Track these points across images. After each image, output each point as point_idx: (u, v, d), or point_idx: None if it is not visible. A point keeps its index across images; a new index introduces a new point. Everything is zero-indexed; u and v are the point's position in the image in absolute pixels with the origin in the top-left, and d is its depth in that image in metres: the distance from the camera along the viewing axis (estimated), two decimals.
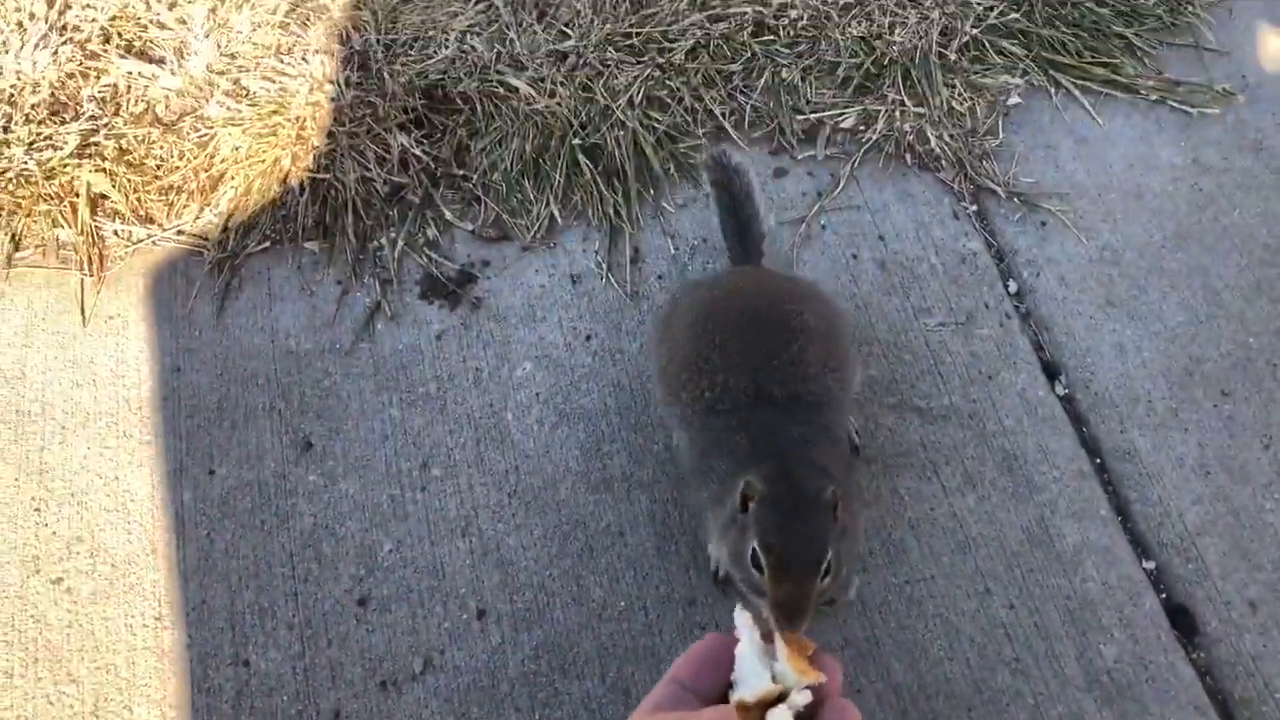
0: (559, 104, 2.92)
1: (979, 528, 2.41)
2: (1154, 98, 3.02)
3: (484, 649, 2.28)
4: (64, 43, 3.08)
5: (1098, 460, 2.50)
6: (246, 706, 2.24)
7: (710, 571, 2.33)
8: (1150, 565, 2.38)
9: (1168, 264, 2.75)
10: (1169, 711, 2.20)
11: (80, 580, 2.38)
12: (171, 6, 3.17)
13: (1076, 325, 2.67)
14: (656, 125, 2.93)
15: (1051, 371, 2.61)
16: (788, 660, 1.19)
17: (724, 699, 1.18)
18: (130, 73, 3.05)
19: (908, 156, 2.92)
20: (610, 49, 3.03)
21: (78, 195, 2.85)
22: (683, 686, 1.14)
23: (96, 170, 2.88)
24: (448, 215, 2.85)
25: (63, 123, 2.96)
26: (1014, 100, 3.02)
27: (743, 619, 1.27)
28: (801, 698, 1.12)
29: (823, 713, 1.11)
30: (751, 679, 1.15)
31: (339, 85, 2.99)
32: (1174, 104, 3.00)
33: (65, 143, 2.90)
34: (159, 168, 2.92)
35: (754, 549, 1.76)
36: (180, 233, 2.85)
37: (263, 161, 2.89)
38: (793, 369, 2.09)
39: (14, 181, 2.86)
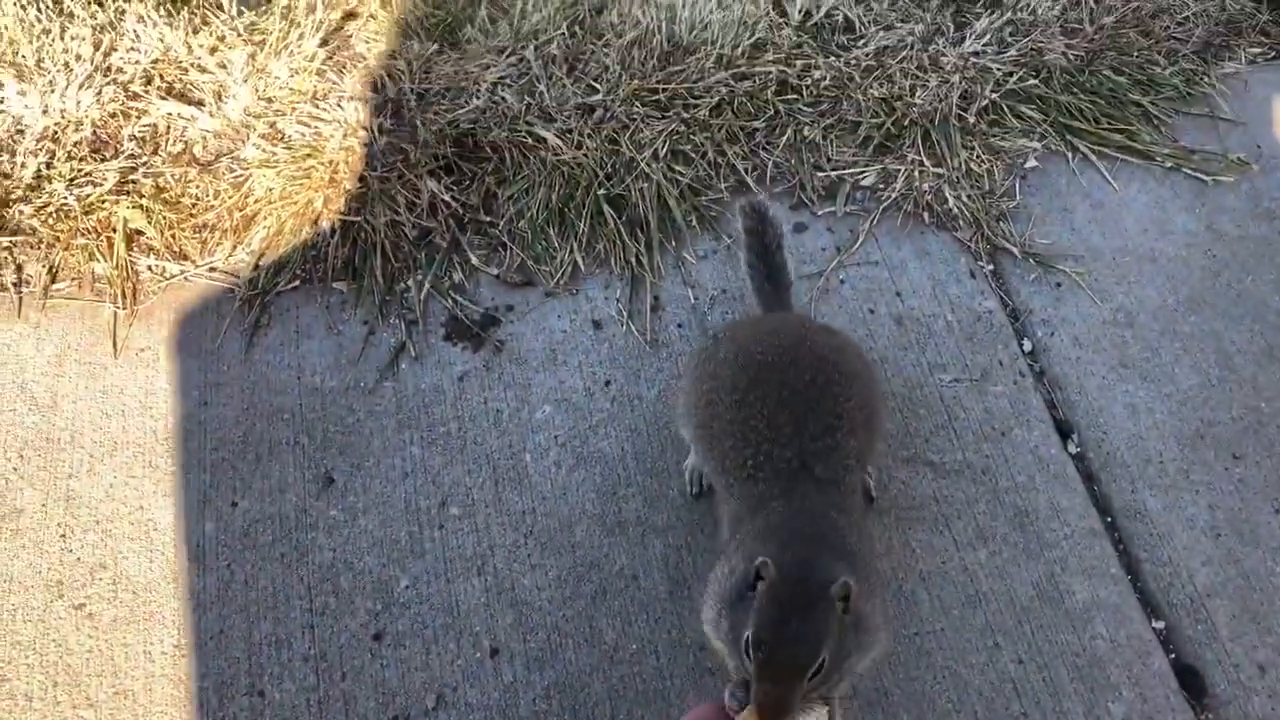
0: (585, 155, 3.00)
1: (989, 582, 2.43)
2: (1169, 165, 3.07)
3: (496, 687, 2.31)
4: (108, 83, 3.18)
5: (1109, 519, 2.52)
6: None
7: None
8: (1160, 625, 2.39)
9: (1181, 327, 2.79)
10: None
11: (102, 606, 2.42)
12: (213, 51, 3.27)
13: (1089, 385, 2.71)
14: (680, 178, 3.00)
15: (1064, 430, 2.65)
16: None
17: None
18: (170, 114, 3.14)
19: (926, 215, 2.98)
20: (637, 104, 3.11)
21: (114, 230, 2.93)
22: None
23: (134, 207, 2.96)
24: (474, 260, 2.92)
25: (103, 160, 3.05)
26: (1031, 163, 3.08)
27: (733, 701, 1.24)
28: None
29: None
30: None
31: (372, 131, 3.08)
32: (1189, 171, 3.06)
33: (105, 179, 2.99)
34: (194, 206, 3.00)
35: (747, 638, 1.75)
36: (213, 270, 2.92)
37: (295, 203, 2.97)
38: (835, 454, 2.09)
39: (54, 216, 2.94)
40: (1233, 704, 2.29)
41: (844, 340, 2.41)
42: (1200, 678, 2.32)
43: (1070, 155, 3.10)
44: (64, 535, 2.51)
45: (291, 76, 3.23)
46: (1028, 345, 2.78)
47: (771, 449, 2.08)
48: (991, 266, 2.91)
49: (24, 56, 3.22)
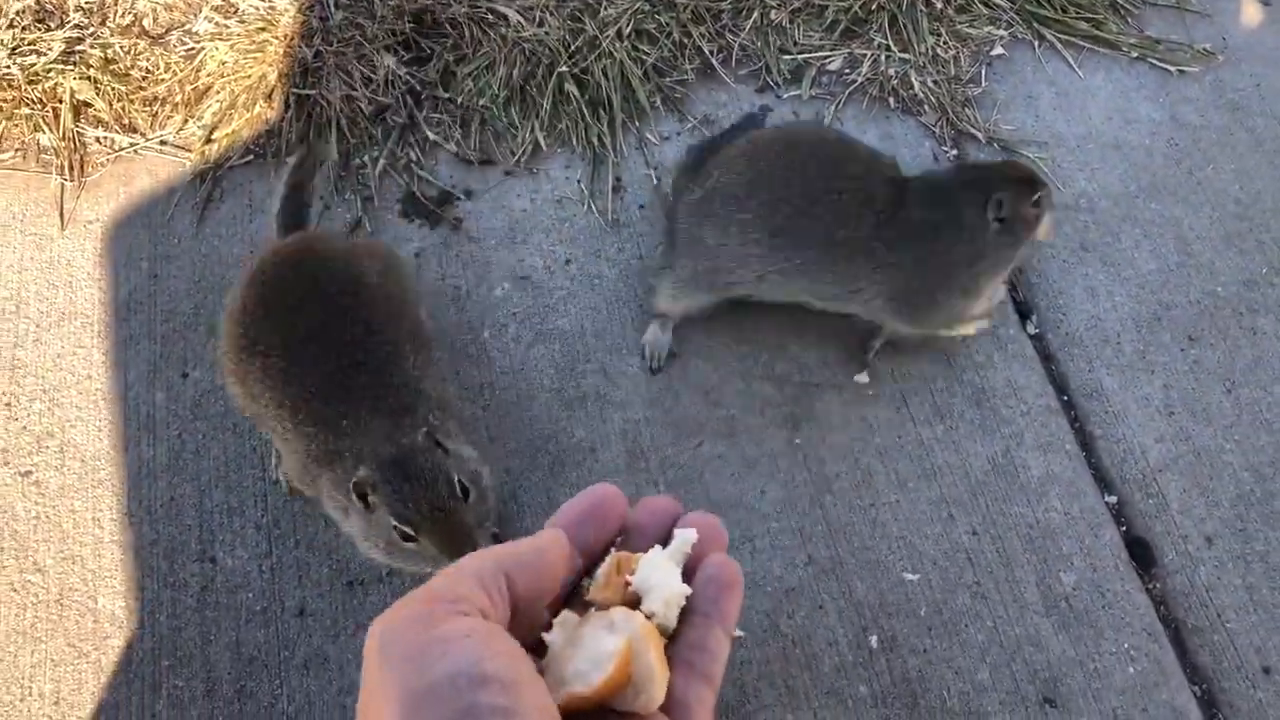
0: (547, 33, 2.93)
1: (945, 456, 2.44)
2: (1135, 54, 3.05)
3: None
4: None
5: (1065, 397, 2.54)
6: (211, 601, 2.25)
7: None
8: (1112, 499, 2.41)
9: (1141, 213, 2.79)
10: (1123, 636, 2.24)
11: (49, 474, 2.38)
12: None
13: (1050, 268, 2.71)
14: (644, 58, 2.95)
15: (1023, 311, 2.65)
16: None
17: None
18: None
19: (891, 100, 2.95)
20: None
21: (60, 101, 2.84)
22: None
23: (81, 78, 2.86)
24: (431, 137, 2.86)
25: (47, 30, 2.95)
26: (998, 51, 3.05)
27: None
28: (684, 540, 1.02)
29: (701, 568, 1.02)
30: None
31: (328, 5, 2.99)
32: (1154, 61, 3.04)
33: (50, 49, 2.89)
34: (144, 79, 2.92)
35: None
36: (163, 143, 2.84)
37: (248, 77, 2.89)
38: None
39: None
40: (1180, 573, 2.33)
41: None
42: (1150, 549, 2.35)
43: (1037, 43, 3.07)
44: (9, 404, 2.46)
45: None
46: None
47: None
48: (955, 151, 2.89)
49: None
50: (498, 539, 1.90)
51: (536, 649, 0.94)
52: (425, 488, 1.80)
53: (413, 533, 1.81)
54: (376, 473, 1.83)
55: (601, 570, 1.00)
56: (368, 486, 1.83)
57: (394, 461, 1.83)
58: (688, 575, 1.00)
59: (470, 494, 1.84)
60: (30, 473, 2.38)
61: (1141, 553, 2.35)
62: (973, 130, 2.90)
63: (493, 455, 2.41)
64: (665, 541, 1.00)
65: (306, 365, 2.02)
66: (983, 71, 3.02)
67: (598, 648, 0.88)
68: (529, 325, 2.60)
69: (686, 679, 0.92)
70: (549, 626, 0.96)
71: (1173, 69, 3.03)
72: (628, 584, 0.96)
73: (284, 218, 2.44)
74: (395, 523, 1.80)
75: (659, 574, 0.95)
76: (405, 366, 2.06)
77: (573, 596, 1.02)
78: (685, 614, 0.98)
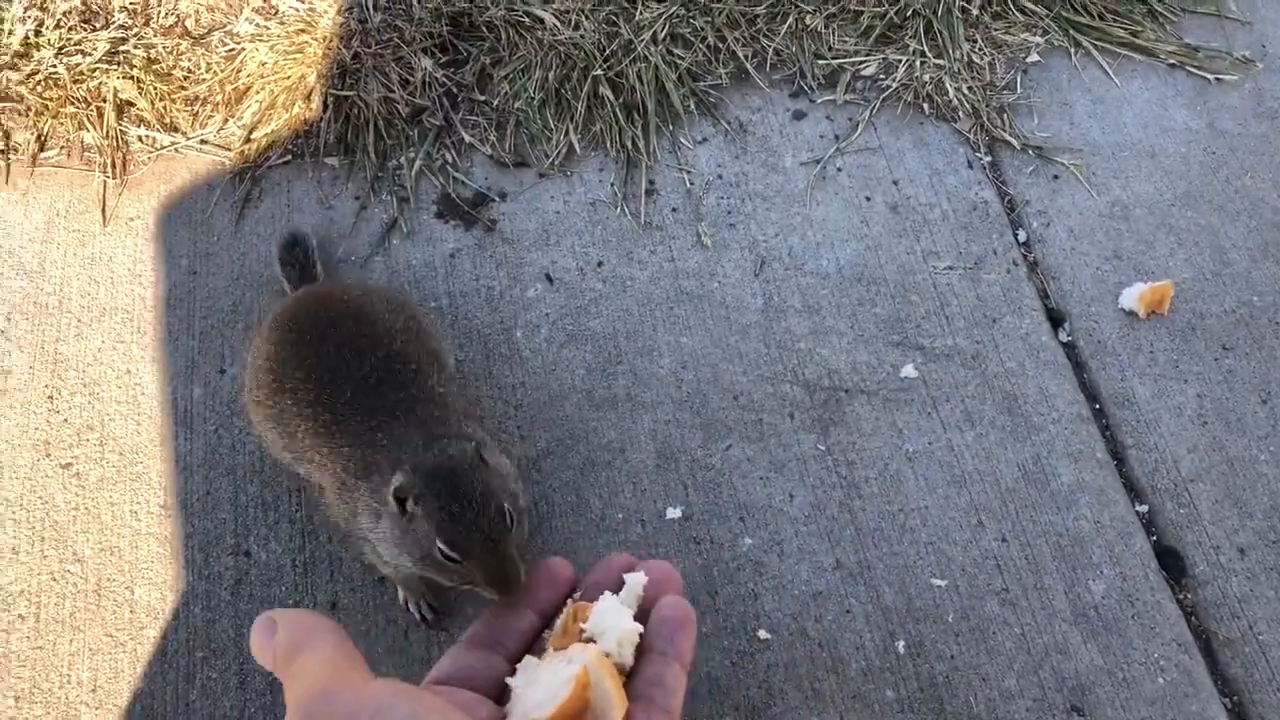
0: (583, 36, 2.95)
1: (975, 463, 2.44)
2: (1172, 62, 3.04)
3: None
4: None
5: (1096, 405, 2.53)
6: (245, 594, 2.28)
7: None
8: (1143, 508, 2.40)
9: (1176, 222, 2.78)
10: (1152, 647, 2.23)
11: (89, 466, 2.42)
12: None
13: (1083, 275, 2.70)
14: (679, 62, 2.96)
15: (1055, 318, 2.64)
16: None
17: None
18: None
19: (925, 106, 2.95)
20: None
21: (104, 100, 2.89)
22: (484, 645, 1.08)
23: (124, 77, 2.91)
24: (467, 139, 2.88)
25: (93, 30, 3.00)
26: (1033, 58, 3.05)
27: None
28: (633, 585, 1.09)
29: (656, 609, 1.08)
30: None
31: (366, 8, 3.02)
32: (1192, 69, 3.03)
33: (95, 49, 2.94)
34: (186, 78, 2.96)
35: None
36: (204, 142, 2.89)
37: (288, 78, 2.93)
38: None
39: (42, 83, 2.89)
40: (1212, 584, 2.31)
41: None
42: (1181, 559, 2.34)
43: (1073, 50, 3.06)
44: (51, 397, 2.50)
45: None
46: (1023, 235, 2.76)
47: None
48: (989, 158, 2.89)
49: None
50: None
51: (499, 697, 0.99)
52: (476, 514, 1.72)
53: (461, 558, 1.73)
54: (420, 482, 1.76)
55: (559, 620, 1.05)
56: (409, 493, 1.77)
57: (438, 473, 1.76)
58: (643, 617, 1.06)
59: (514, 521, 1.76)
60: (70, 465, 2.42)
61: (1172, 562, 2.34)
62: (1007, 137, 2.90)
63: (521, 457, 2.43)
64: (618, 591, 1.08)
65: (336, 388, 2.06)
66: (1018, 78, 3.02)
67: (555, 678, 0.93)
68: (561, 326, 2.62)
69: (646, 712, 0.97)
70: (513, 672, 1.01)
71: (1211, 77, 3.01)
72: (582, 630, 1.01)
73: (289, 272, 2.55)
74: (443, 546, 1.73)
75: (611, 616, 1.02)
76: (429, 383, 2.09)
77: (534, 648, 1.08)
78: (642, 653, 1.03)
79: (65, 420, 2.48)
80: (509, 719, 0.94)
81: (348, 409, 2.04)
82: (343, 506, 2.03)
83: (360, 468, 1.98)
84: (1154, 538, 2.37)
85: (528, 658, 1.02)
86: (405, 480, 1.76)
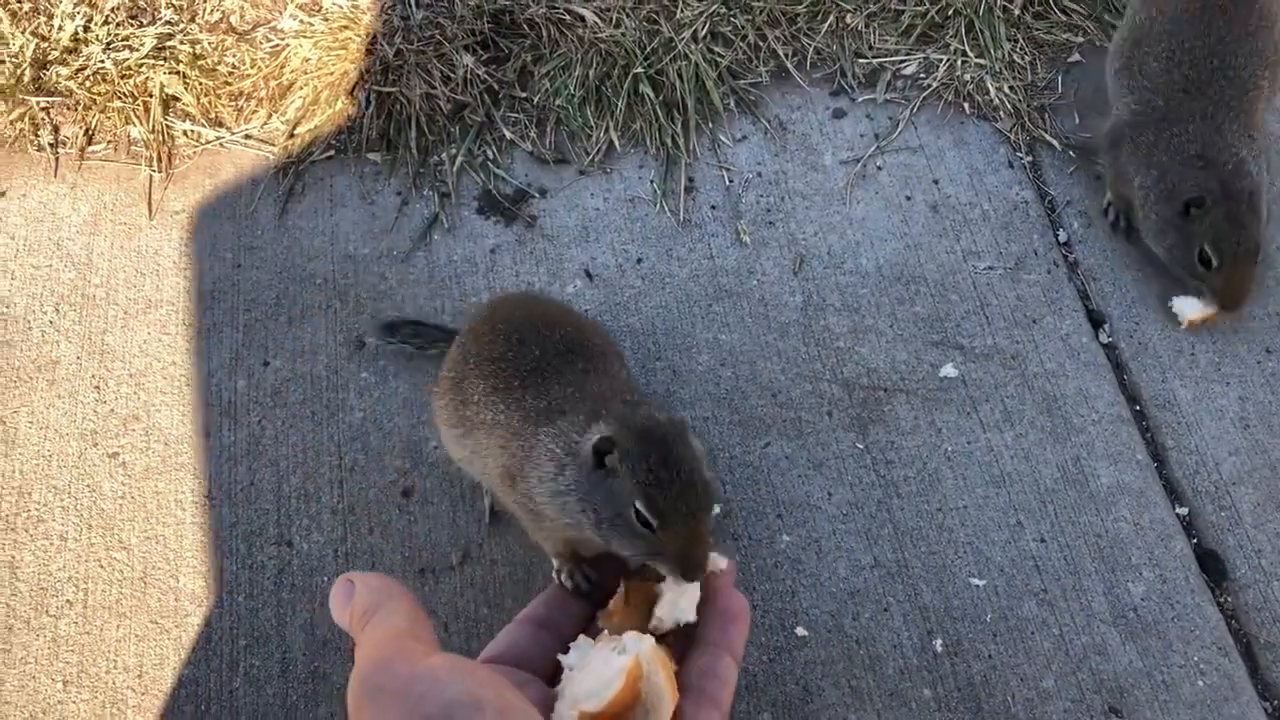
0: (624, 34, 2.97)
1: (1014, 464, 2.43)
2: None
3: (521, 545, 2.33)
4: None
5: (1137, 407, 2.52)
6: (288, 584, 2.31)
7: None
8: (1183, 511, 2.39)
9: None
10: (1192, 650, 2.22)
11: (135, 456, 2.46)
12: None
13: (1124, 277, 2.69)
14: (719, 60, 2.97)
15: (1096, 319, 2.63)
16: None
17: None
18: None
19: (966, 105, 2.95)
20: None
21: (151, 95, 2.93)
22: (539, 625, 1.09)
23: (170, 73, 2.95)
24: (508, 135, 2.90)
25: (140, 26, 3.04)
26: (1075, 58, 3.04)
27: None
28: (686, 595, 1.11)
29: (711, 600, 1.09)
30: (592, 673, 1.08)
31: (409, 5, 3.05)
32: None
33: (142, 44, 2.98)
34: (230, 74, 3.00)
35: None
36: (248, 137, 2.92)
37: (331, 73, 2.96)
38: None
39: (91, 79, 2.94)
40: (1253, 588, 2.30)
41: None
42: (1221, 562, 2.33)
43: None
44: (98, 387, 2.54)
45: None
46: (1063, 236, 2.76)
47: None
48: (1030, 158, 2.88)
49: None
50: None
51: (551, 677, 1.01)
52: (684, 485, 1.62)
53: (658, 526, 1.61)
54: (630, 439, 1.64)
55: (613, 600, 1.07)
56: (613, 446, 1.65)
57: (650, 435, 1.65)
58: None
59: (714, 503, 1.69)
60: (117, 454, 2.46)
61: (1213, 565, 2.33)
62: (1048, 137, 2.89)
63: None
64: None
65: (523, 348, 2.02)
66: (1059, 78, 3.01)
67: (607, 668, 0.94)
68: (600, 322, 2.63)
69: (696, 704, 0.97)
70: (566, 650, 1.02)
71: None
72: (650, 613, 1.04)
73: (401, 346, 2.58)
74: (643, 509, 1.61)
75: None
76: (614, 366, 2.06)
77: (589, 628, 1.09)
78: (695, 644, 1.04)
79: (112, 410, 2.51)
80: (559, 702, 0.96)
81: (534, 369, 1.97)
82: (510, 457, 1.92)
83: (543, 414, 1.88)
84: (1194, 540, 2.36)
85: (581, 637, 1.04)
86: (613, 433, 1.66)
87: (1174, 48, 2.61)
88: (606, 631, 1.04)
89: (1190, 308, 2.57)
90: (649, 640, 0.98)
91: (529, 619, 1.09)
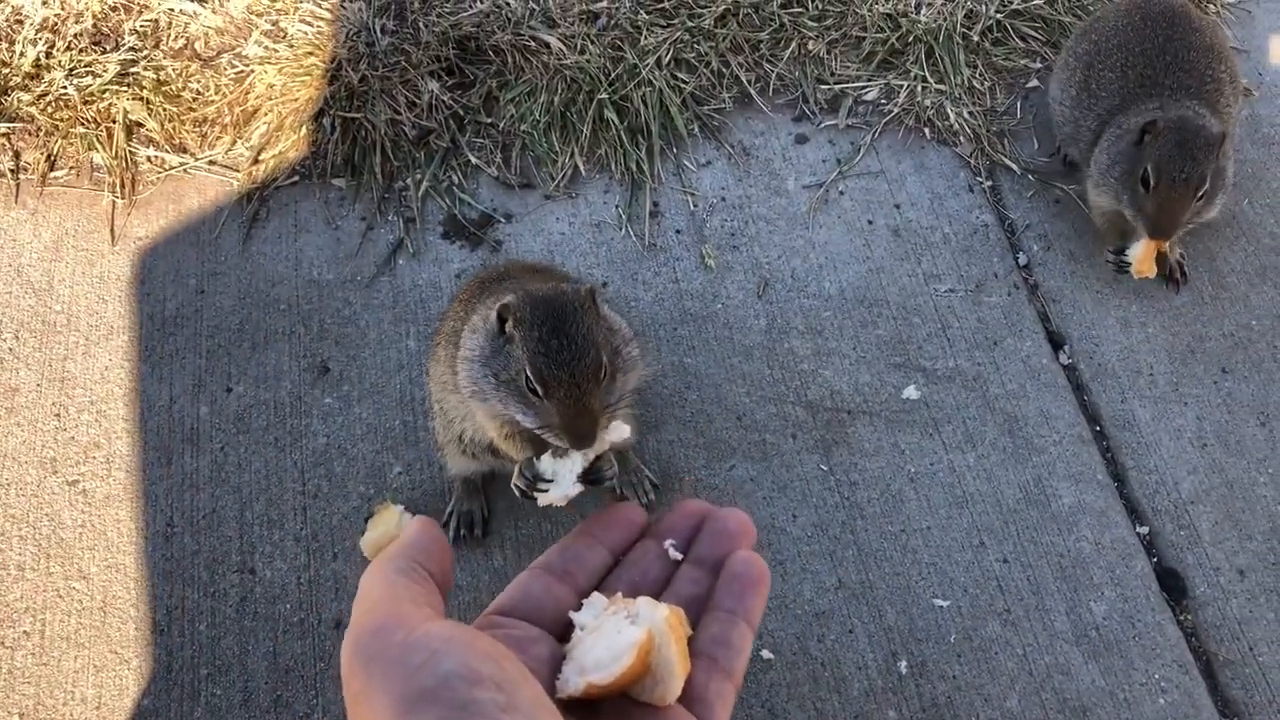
0: (589, 60, 2.99)
1: (977, 484, 2.45)
2: None
3: (486, 570, 2.33)
4: None
5: (1097, 427, 2.55)
6: (250, 611, 2.29)
7: None
8: (1144, 530, 2.42)
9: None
10: (1154, 668, 2.24)
11: (95, 484, 2.43)
12: None
13: (1083, 298, 2.72)
14: (683, 86, 3.00)
15: (1056, 341, 2.66)
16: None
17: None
18: (172, 9, 3.13)
19: (927, 131, 2.98)
20: (642, 10, 3.10)
21: (114, 121, 2.92)
22: (553, 574, 1.05)
23: (134, 99, 2.95)
24: (473, 161, 2.91)
25: (103, 52, 3.03)
26: (1033, 83, 3.08)
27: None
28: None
29: (728, 564, 1.06)
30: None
31: (374, 32, 3.06)
32: None
33: (105, 70, 2.97)
34: (195, 100, 2.99)
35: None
36: (212, 163, 2.92)
37: (296, 100, 2.96)
38: None
39: (53, 105, 2.93)
40: (1211, 605, 2.32)
41: None
42: (1181, 580, 2.35)
43: None
44: (58, 414, 2.52)
45: None
46: (1023, 259, 2.79)
47: None
48: (990, 182, 2.92)
49: None
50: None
51: (563, 632, 0.98)
52: (572, 356, 1.65)
53: (543, 393, 1.66)
54: (526, 306, 1.69)
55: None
56: (511, 314, 1.71)
57: (546, 304, 1.69)
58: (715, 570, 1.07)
59: (606, 376, 1.69)
60: (77, 482, 2.44)
61: (1173, 584, 2.35)
62: (1008, 162, 2.93)
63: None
64: (692, 539, 1.11)
65: (491, 276, 2.31)
66: (1018, 104, 3.05)
67: (619, 638, 0.92)
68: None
69: (708, 674, 0.95)
70: (579, 606, 1.00)
71: None
72: None
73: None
74: (530, 375, 1.66)
75: None
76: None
77: (602, 585, 1.07)
78: (709, 608, 1.02)
79: (72, 438, 2.49)
80: (567, 664, 0.93)
81: (498, 278, 2.21)
82: (455, 346, 1.96)
83: (485, 300, 1.97)
84: (1155, 559, 2.38)
85: (595, 595, 1.01)
86: (514, 301, 1.70)
87: (1126, 55, 2.65)
88: (620, 594, 1.01)
89: (1131, 252, 2.58)
90: (662, 610, 0.95)
91: (544, 566, 1.05)
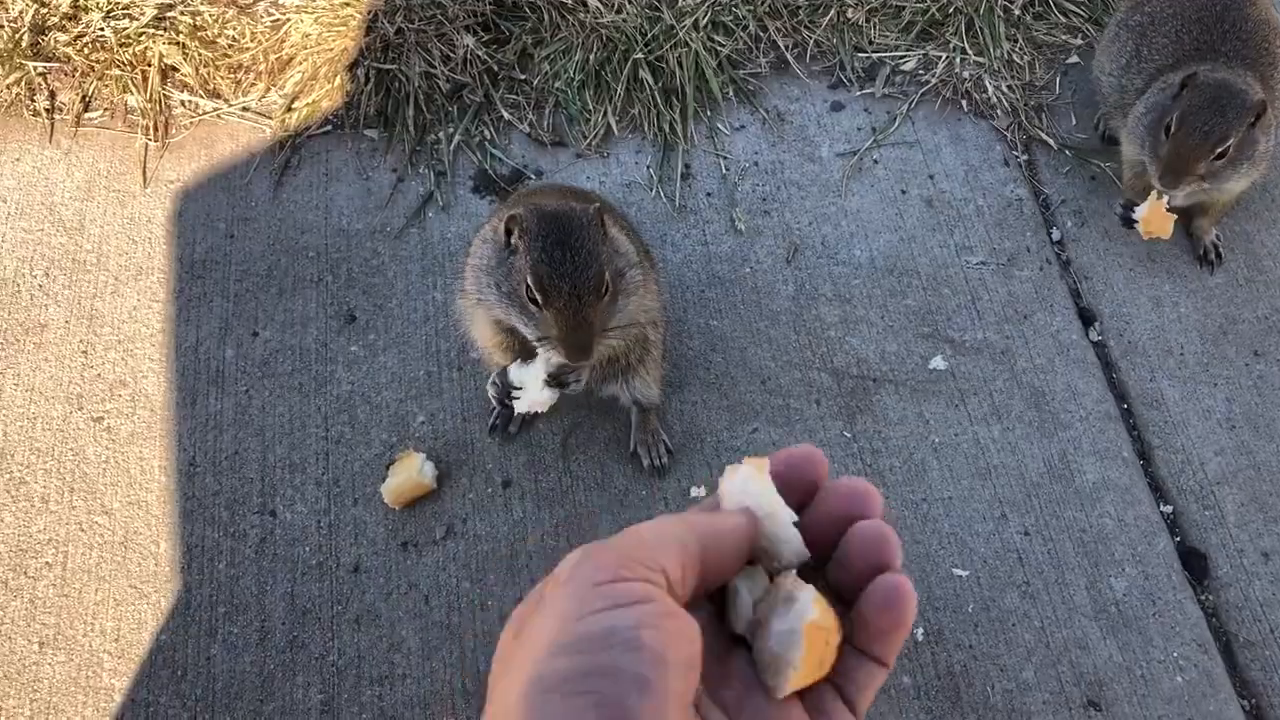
0: (625, 20, 2.97)
1: (1001, 457, 2.44)
2: None
3: (505, 521, 2.33)
4: None
5: (1125, 405, 2.53)
6: (269, 553, 2.30)
7: None
8: (1168, 509, 2.40)
9: None
10: (1172, 645, 2.22)
11: (120, 421, 2.45)
12: None
13: (1116, 276, 2.69)
14: (719, 49, 2.98)
15: (1087, 317, 2.64)
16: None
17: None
18: None
19: (964, 103, 2.95)
20: None
21: (149, 65, 2.92)
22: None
23: (170, 43, 2.95)
24: (506, 116, 2.90)
25: None
26: (1073, 59, 3.05)
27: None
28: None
29: (872, 589, 0.85)
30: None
31: None
32: None
33: (142, 13, 2.97)
34: (230, 46, 2.99)
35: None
36: (245, 110, 2.92)
37: (331, 49, 2.96)
38: None
39: (89, 46, 2.93)
40: (1234, 587, 2.30)
41: None
42: (1204, 560, 2.33)
43: None
44: (85, 352, 2.53)
45: None
46: (1056, 234, 2.76)
47: None
48: (1026, 157, 2.89)
49: None
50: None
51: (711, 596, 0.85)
52: (574, 269, 1.71)
53: (542, 302, 1.73)
54: (534, 219, 1.75)
55: None
56: (518, 225, 1.76)
57: (552, 218, 1.75)
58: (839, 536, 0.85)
59: (608, 292, 1.76)
60: (102, 419, 2.45)
61: (1195, 564, 2.33)
62: (1044, 137, 2.90)
63: (547, 431, 2.44)
64: (810, 497, 0.87)
65: (527, 193, 2.41)
66: (1057, 79, 3.02)
67: (789, 633, 0.79)
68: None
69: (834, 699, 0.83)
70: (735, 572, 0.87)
71: None
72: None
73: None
74: (530, 284, 1.72)
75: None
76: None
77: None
78: (851, 632, 0.83)
79: (99, 375, 2.50)
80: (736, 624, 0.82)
81: (530, 194, 2.27)
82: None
83: (501, 212, 2.02)
84: (1178, 538, 2.36)
85: (749, 566, 0.85)
86: (520, 213, 1.77)
87: (1182, 22, 2.62)
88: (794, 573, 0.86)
89: (1140, 209, 2.54)
90: (811, 614, 0.81)
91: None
